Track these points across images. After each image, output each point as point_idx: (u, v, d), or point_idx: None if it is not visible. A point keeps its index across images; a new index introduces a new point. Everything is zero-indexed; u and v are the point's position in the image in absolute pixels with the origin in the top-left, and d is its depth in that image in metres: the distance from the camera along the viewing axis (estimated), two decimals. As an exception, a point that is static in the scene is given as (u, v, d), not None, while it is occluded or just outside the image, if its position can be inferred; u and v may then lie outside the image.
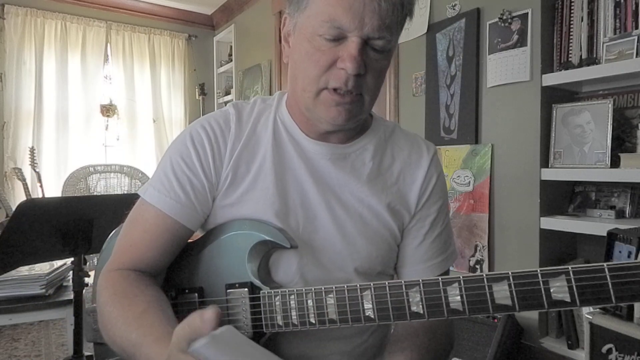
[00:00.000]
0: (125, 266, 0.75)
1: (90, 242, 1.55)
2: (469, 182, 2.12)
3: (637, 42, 1.57)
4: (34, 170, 3.01)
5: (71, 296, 1.62)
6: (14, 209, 1.41)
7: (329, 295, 0.65)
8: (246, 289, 0.71)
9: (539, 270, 0.53)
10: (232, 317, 0.73)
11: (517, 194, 1.93)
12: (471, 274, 0.57)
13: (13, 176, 3.37)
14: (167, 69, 4.36)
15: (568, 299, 0.52)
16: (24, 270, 1.69)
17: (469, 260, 2.11)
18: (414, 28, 2.36)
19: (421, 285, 0.59)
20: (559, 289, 0.52)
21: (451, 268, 0.88)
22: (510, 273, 0.54)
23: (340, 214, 0.77)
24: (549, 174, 1.82)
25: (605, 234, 1.34)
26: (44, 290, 1.67)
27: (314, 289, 0.66)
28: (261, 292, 0.70)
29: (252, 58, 3.96)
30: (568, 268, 0.52)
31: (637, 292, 0.49)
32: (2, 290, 1.63)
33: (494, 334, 1.81)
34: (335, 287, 0.64)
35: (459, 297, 0.57)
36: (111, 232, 0.90)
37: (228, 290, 0.73)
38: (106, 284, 0.73)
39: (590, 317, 1.30)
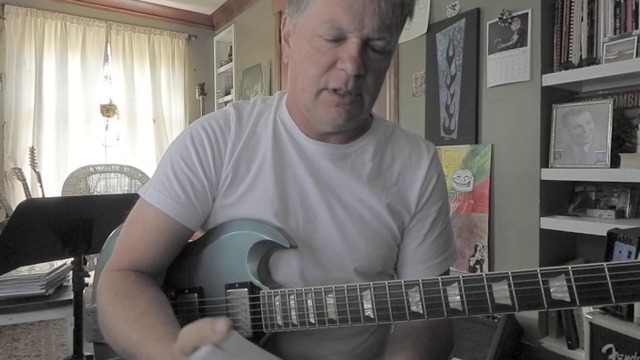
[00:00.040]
0: (126, 266, 0.75)
1: (90, 242, 1.55)
2: (469, 182, 2.12)
3: (637, 42, 1.57)
4: (34, 170, 3.01)
5: (71, 296, 1.61)
6: (14, 209, 1.41)
7: (329, 295, 0.65)
8: (246, 289, 0.71)
9: (538, 270, 0.53)
10: (232, 317, 0.73)
11: (517, 194, 1.93)
12: (471, 274, 0.57)
13: (13, 176, 3.37)
14: (167, 69, 4.36)
15: (568, 299, 0.52)
16: (24, 270, 1.69)
17: (469, 260, 2.11)
18: (414, 28, 2.36)
19: (421, 285, 0.59)
20: (559, 289, 0.52)
21: (451, 268, 0.88)
22: (509, 273, 0.54)
23: (340, 214, 0.77)
24: (549, 174, 1.82)
25: (605, 234, 1.34)
26: (44, 290, 1.67)
27: (314, 289, 0.66)
28: (261, 292, 0.70)
29: (252, 58, 3.96)
30: (568, 268, 0.52)
31: (637, 291, 0.49)
32: (2, 290, 1.63)
33: (494, 334, 1.81)
34: (335, 287, 0.64)
35: (458, 297, 0.57)
36: (111, 232, 0.90)
37: (228, 290, 0.73)
38: (107, 285, 0.73)
39: (590, 317, 1.30)
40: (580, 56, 1.77)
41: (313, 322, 0.66)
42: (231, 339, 0.50)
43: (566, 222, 1.76)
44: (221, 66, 4.51)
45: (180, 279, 0.79)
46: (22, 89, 3.66)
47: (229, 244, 0.74)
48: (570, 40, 1.81)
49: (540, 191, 1.84)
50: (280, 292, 0.68)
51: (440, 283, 0.58)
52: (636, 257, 1.22)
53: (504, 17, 1.93)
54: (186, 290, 0.77)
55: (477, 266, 2.08)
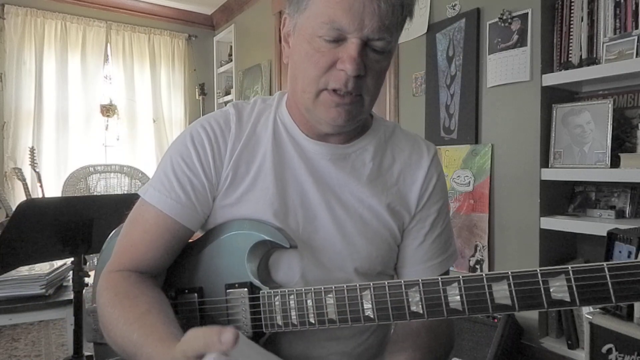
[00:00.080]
0: (126, 267, 0.75)
1: (90, 242, 1.55)
2: (469, 182, 2.12)
3: (637, 42, 1.57)
4: (34, 170, 3.01)
5: (71, 296, 1.62)
6: (14, 209, 1.41)
7: (329, 295, 0.65)
8: (246, 289, 0.71)
9: (538, 270, 0.53)
10: (232, 317, 0.73)
11: (517, 194, 1.93)
12: (471, 274, 0.57)
13: (13, 176, 3.37)
14: (167, 69, 4.36)
15: (568, 299, 0.52)
16: (24, 270, 1.69)
17: (469, 260, 2.11)
18: (414, 28, 2.36)
19: (421, 285, 0.59)
20: (559, 289, 0.52)
21: (451, 268, 0.88)
22: (509, 273, 0.54)
23: (340, 214, 0.77)
24: (549, 174, 1.82)
25: (605, 234, 1.34)
26: (44, 290, 1.67)
27: (314, 289, 0.66)
28: (261, 292, 0.70)
29: (252, 58, 3.96)
30: (568, 268, 0.52)
31: (637, 291, 0.49)
32: (2, 290, 1.63)
33: (494, 334, 1.81)
34: (335, 287, 0.64)
35: (458, 296, 0.57)
36: (111, 232, 0.90)
37: (228, 290, 0.73)
38: (107, 285, 0.73)
39: (590, 317, 1.30)
40: (580, 56, 1.77)
41: (313, 322, 0.66)
42: (237, 347, 0.50)
43: (566, 222, 1.76)
44: (221, 66, 4.51)
45: (180, 279, 0.79)
46: (22, 89, 3.66)
47: (228, 244, 0.74)
48: (570, 40, 1.81)
49: (540, 191, 1.84)
50: (280, 292, 0.68)
51: (440, 283, 0.58)
52: (636, 257, 1.22)
53: (504, 17, 1.93)
54: (186, 290, 0.77)
55: (477, 266, 2.08)
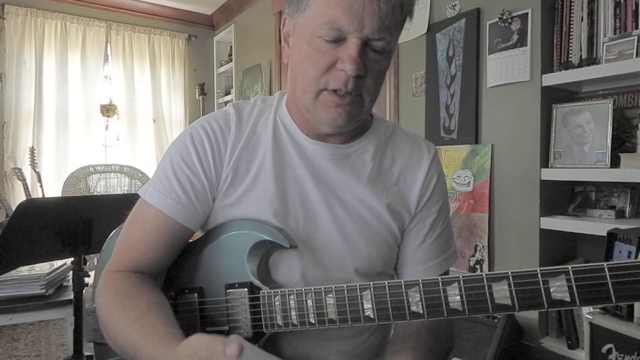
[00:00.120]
0: (126, 267, 0.75)
1: (90, 242, 1.55)
2: (469, 182, 2.12)
3: (637, 42, 1.57)
4: (34, 170, 3.01)
5: (71, 296, 1.62)
6: (14, 209, 1.41)
7: (329, 295, 0.65)
8: (246, 289, 0.71)
9: (538, 270, 0.53)
10: (232, 317, 0.73)
11: (517, 194, 1.93)
12: (471, 274, 0.57)
13: (13, 176, 3.37)
14: (167, 69, 4.36)
15: (568, 299, 0.52)
16: (24, 270, 1.69)
17: (469, 260, 2.11)
18: (414, 28, 2.36)
19: (421, 285, 0.59)
20: (559, 289, 0.52)
21: (451, 268, 0.88)
22: (510, 273, 0.54)
23: (340, 214, 0.77)
24: (549, 174, 1.82)
25: (605, 234, 1.34)
26: (44, 290, 1.67)
27: (314, 289, 0.66)
28: (261, 292, 0.70)
29: (252, 58, 3.96)
30: (568, 268, 0.52)
31: (637, 291, 0.49)
32: (2, 290, 1.63)
33: (494, 334, 1.81)
34: (335, 287, 0.64)
35: (458, 297, 0.57)
36: (111, 232, 0.90)
37: (228, 290, 0.73)
38: (106, 285, 0.73)
39: (590, 317, 1.30)
40: (580, 56, 1.77)
41: (313, 322, 0.66)
42: (242, 358, 0.50)
43: (566, 222, 1.76)
44: (221, 66, 4.51)
45: (180, 279, 0.79)
46: (22, 89, 3.66)
47: (229, 244, 0.74)
48: (570, 40, 1.81)
49: (540, 191, 1.85)
50: (280, 292, 0.68)
51: (440, 283, 0.58)
52: (636, 257, 1.22)
53: (504, 17, 1.93)
54: (186, 291, 0.77)
55: (477, 266, 2.08)
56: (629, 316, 1.24)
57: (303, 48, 0.70)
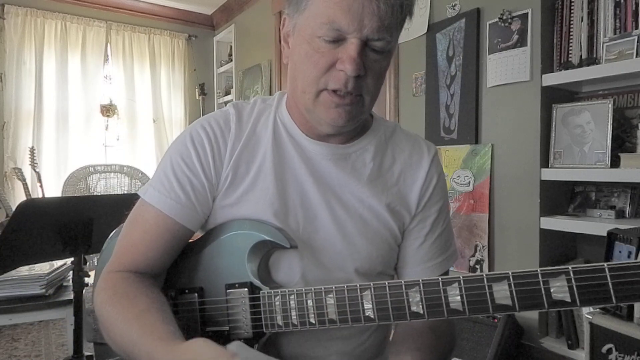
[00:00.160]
0: (126, 267, 0.75)
1: (90, 242, 1.55)
2: (469, 182, 2.12)
3: (637, 42, 1.57)
4: (34, 170, 3.01)
5: (71, 296, 1.62)
6: (14, 209, 1.41)
7: (329, 295, 0.65)
8: (246, 289, 0.71)
9: (539, 270, 0.53)
10: (232, 317, 0.73)
11: (517, 194, 1.93)
12: (471, 274, 0.57)
13: (13, 176, 3.37)
14: (167, 69, 4.36)
15: (568, 299, 0.52)
16: (24, 270, 1.69)
17: (469, 260, 2.11)
18: (414, 28, 2.36)
19: (421, 285, 0.59)
20: (559, 289, 0.52)
21: (451, 268, 0.88)
22: (510, 273, 0.54)
23: (340, 214, 0.77)
24: (549, 174, 1.82)
25: (605, 234, 1.34)
26: (44, 290, 1.67)
27: (314, 289, 0.66)
28: (261, 292, 0.70)
29: (252, 58, 3.96)
30: (568, 268, 0.52)
31: (637, 292, 0.49)
32: (2, 290, 1.63)
33: (494, 334, 1.81)
34: (335, 287, 0.64)
35: (458, 297, 0.57)
36: (111, 232, 0.90)
37: (228, 291, 0.73)
38: (105, 285, 0.73)
39: (590, 317, 1.30)
40: (580, 56, 1.77)
41: (313, 322, 0.66)
42: None
43: (566, 222, 1.76)
44: (221, 66, 4.51)
45: (180, 279, 0.79)
46: (22, 89, 3.66)
47: (229, 244, 0.74)
48: (570, 40, 1.81)
49: (540, 191, 1.84)
50: (281, 292, 0.68)
51: (440, 283, 0.58)
52: (636, 257, 1.22)
53: (504, 17, 1.93)
54: (186, 291, 0.77)
55: (477, 266, 2.08)
56: (629, 316, 1.24)
57: (303, 48, 0.70)
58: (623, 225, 1.44)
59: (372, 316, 0.62)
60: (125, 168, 3.25)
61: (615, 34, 1.67)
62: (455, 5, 2.18)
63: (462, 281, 0.57)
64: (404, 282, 0.60)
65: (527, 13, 1.87)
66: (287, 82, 0.79)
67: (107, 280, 0.73)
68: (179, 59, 4.43)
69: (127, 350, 0.65)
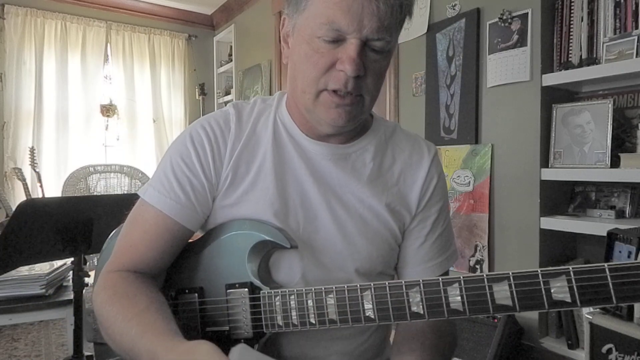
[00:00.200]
0: (125, 267, 0.75)
1: (90, 242, 1.55)
2: (469, 182, 2.12)
3: (637, 42, 1.57)
4: (34, 170, 3.01)
5: (71, 296, 1.61)
6: (14, 209, 1.41)
7: (329, 296, 0.64)
8: (246, 289, 0.71)
9: (539, 271, 0.53)
10: (232, 317, 0.73)
11: (517, 194, 1.93)
12: (471, 274, 0.57)
13: (13, 176, 3.37)
14: (167, 69, 4.36)
15: (569, 300, 0.52)
16: (24, 270, 1.69)
17: (469, 260, 2.11)
18: (414, 28, 2.36)
19: (421, 285, 0.59)
20: (560, 290, 0.52)
21: (451, 268, 0.88)
22: (510, 273, 0.54)
23: (340, 214, 0.77)
24: (549, 174, 1.82)
25: (605, 234, 1.34)
26: (44, 290, 1.67)
27: (314, 289, 0.66)
28: (261, 292, 0.70)
29: (252, 58, 3.96)
30: (569, 268, 0.52)
31: (638, 292, 0.49)
32: (2, 290, 1.63)
33: (494, 334, 1.81)
34: (335, 287, 0.64)
35: (459, 297, 0.57)
36: (111, 232, 0.89)
37: (228, 291, 0.73)
38: (105, 285, 0.73)
39: (590, 317, 1.30)
40: (580, 56, 1.77)
41: (313, 322, 0.66)
42: None
43: (566, 222, 1.76)
44: (221, 66, 4.51)
45: (180, 279, 0.79)
46: (22, 89, 3.66)
47: (229, 244, 0.74)
48: (570, 40, 1.81)
49: (540, 191, 1.84)
50: (281, 292, 0.68)
51: (440, 283, 0.58)
52: (636, 257, 1.22)
53: (504, 17, 1.93)
54: (186, 291, 0.77)
55: (477, 266, 2.08)
56: (629, 316, 1.24)
57: (302, 48, 0.70)
58: (623, 225, 1.44)
59: (373, 316, 0.62)
60: (125, 168, 3.25)
61: (615, 34, 1.67)
62: (455, 5, 2.18)
63: (462, 281, 0.57)
64: (405, 282, 0.60)
65: (527, 13, 1.87)
66: (287, 82, 0.79)
67: (106, 280, 0.73)
68: (179, 59, 4.43)
69: (127, 349, 0.65)
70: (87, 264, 1.66)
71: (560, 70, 1.82)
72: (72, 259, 1.59)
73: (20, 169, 3.05)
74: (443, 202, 0.84)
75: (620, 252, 1.29)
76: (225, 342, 0.72)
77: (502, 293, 0.55)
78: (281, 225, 0.74)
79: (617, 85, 1.76)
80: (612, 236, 1.33)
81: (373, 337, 0.82)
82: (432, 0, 2.30)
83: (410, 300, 0.59)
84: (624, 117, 1.74)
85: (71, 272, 1.61)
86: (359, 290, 0.63)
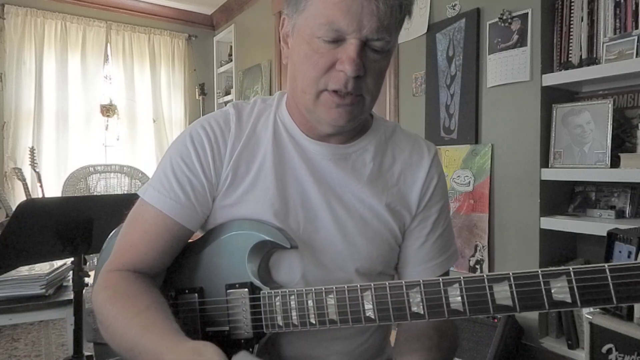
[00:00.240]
0: (125, 267, 0.75)
1: (90, 242, 1.55)
2: (469, 182, 2.12)
3: (637, 42, 1.57)
4: (34, 170, 3.01)
5: (71, 296, 1.61)
6: (14, 209, 1.41)
7: (329, 296, 0.64)
8: (246, 289, 0.71)
9: (539, 271, 0.53)
10: (232, 317, 0.73)
11: (517, 194, 1.93)
12: (472, 275, 0.57)
13: (13, 176, 3.37)
14: (167, 69, 4.36)
15: (569, 300, 0.52)
16: (24, 270, 1.69)
17: (469, 260, 2.11)
18: (414, 28, 2.36)
19: (422, 285, 0.59)
20: (560, 290, 0.52)
21: (451, 268, 0.88)
22: (510, 274, 0.54)
23: (341, 214, 0.77)
24: (549, 174, 1.82)
25: (605, 234, 1.34)
26: (44, 290, 1.67)
27: (314, 289, 0.66)
28: (261, 292, 0.70)
29: (252, 58, 3.96)
30: (569, 269, 0.52)
31: (638, 292, 0.49)
32: (2, 290, 1.63)
33: (494, 334, 1.81)
34: (336, 288, 0.64)
35: (459, 297, 0.57)
36: (111, 232, 0.89)
37: (228, 291, 0.73)
38: (105, 284, 0.73)
39: (590, 317, 1.30)
40: (580, 56, 1.77)
41: (314, 322, 0.66)
42: None
43: (566, 222, 1.76)
44: (221, 66, 4.51)
45: (180, 279, 0.79)
46: (22, 89, 3.66)
47: (229, 244, 0.74)
48: (570, 40, 1.81)
49: (540, 191, 1.85)
50: (281, 292, 0.68)
51: (441, 284, 0.58)
52: (636, 257, 1.22)
53: (504, 17, 1.93)
54: (186, 291, 0.77)
55: (477, 266, 2.08)
56: (629, 316, 1.24)
57: (302, 49, 0.70)
58: (623, 225, 1.44)
59: (373, 316, 0.62)
60: (125, 168, 3.25)
61: (615, 34, 1.67)
62: (455, 5, 2.18)
63: (462, 282, 0.57)
64: (405, 282, 0.60)
65: (527, 13, 1.87)
66: (287, 82, 0.79)
67: (106, 280, 0.73)
68: (179, 59, 4.43)
69: (128, 349, 0.65)
70: (87, 264, 1.66)
71: (560, 70, 1.82)
72: (72, 259, 1.59)
73: (20, 169, 3.05)
74: (443, 202, 0.84)
75: (620, 252, 1.29)
76: (225, 342, 0.72)
77: (503, 293, 0.55)
78: (281, 225, 0.74)
79: (617, 85, 1.76)
80: (612, 236, 1.33)
81: (373, 337, 0.82)
82: (432, 0, 2.30)
83: (411, 300, 0.59)
84: (624, 117, 1.74)
85: (71, 272, 1.60)
86: (359, 290, 0.63)
